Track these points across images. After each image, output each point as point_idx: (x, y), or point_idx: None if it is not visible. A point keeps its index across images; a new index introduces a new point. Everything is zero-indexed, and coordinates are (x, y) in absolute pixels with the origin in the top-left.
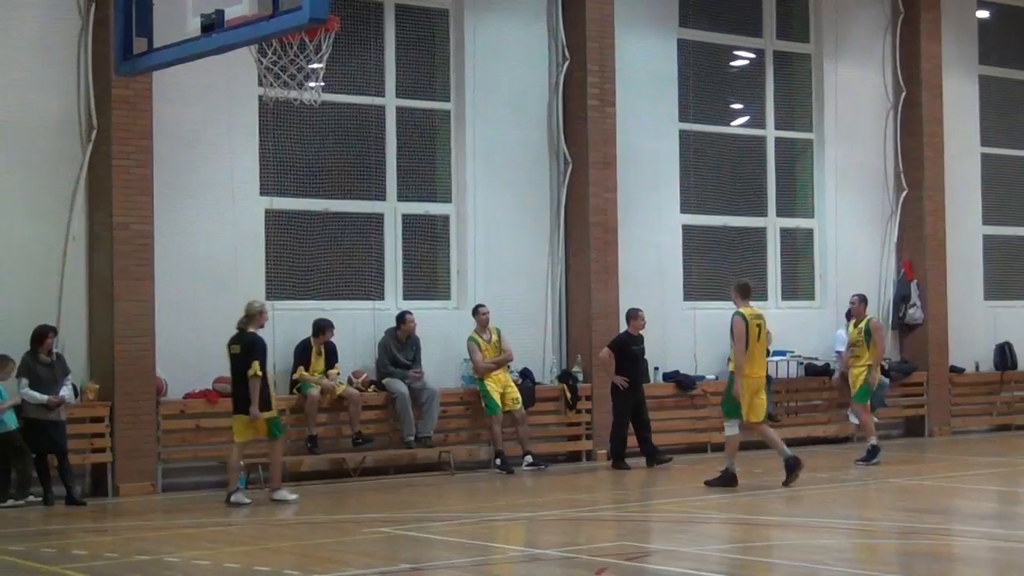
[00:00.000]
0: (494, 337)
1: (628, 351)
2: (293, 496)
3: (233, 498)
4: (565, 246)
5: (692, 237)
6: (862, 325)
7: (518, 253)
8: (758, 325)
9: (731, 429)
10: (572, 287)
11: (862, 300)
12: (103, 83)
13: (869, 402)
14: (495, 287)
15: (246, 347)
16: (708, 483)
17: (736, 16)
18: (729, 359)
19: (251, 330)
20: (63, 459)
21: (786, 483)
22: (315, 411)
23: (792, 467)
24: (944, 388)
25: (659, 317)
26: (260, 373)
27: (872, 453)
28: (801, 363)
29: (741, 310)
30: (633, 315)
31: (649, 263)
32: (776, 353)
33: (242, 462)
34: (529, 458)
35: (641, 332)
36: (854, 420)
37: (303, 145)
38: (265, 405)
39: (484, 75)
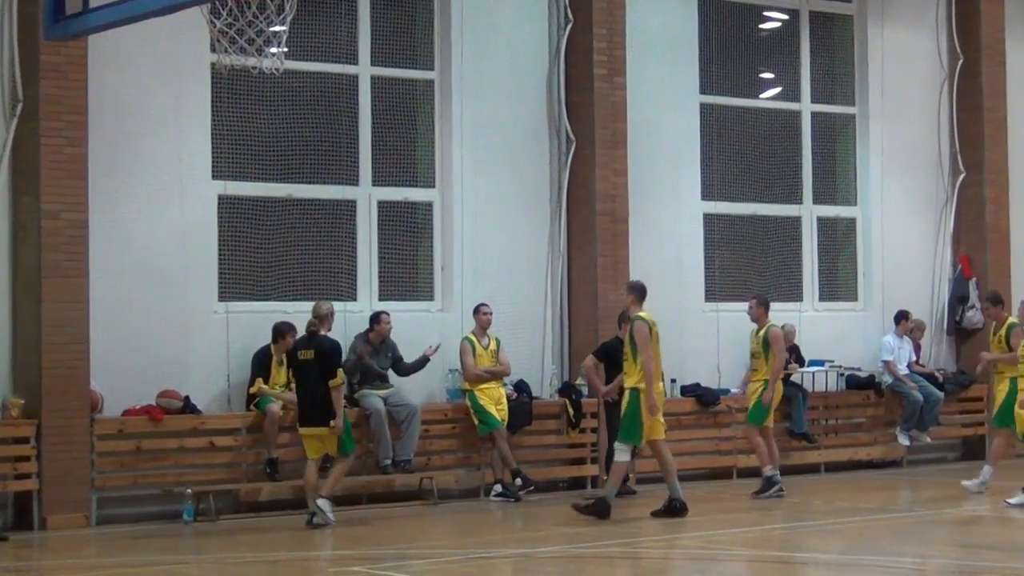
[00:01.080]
0: (493, 345)
1: (618, 359)
2: (331, 516)
3: (316, 519)
4: (567, 238)
5: (715, 228)
6: (761, 333)
7: (513, 246)
8: (656, 333)
9: (623, 455)
10: (576, 286)
11: (760, 303)
12: (30, 48)
13: (767, 424)
14: (485, 286)
15: (325, 352)
16: (653, 514)
17: None
18: (624, 375)
19: (324, 333)
20: None
21: (655, 513)
22: (276, 430)
23: (675, 510)
24: None
25: (677, 321)
26: (344, 381)
27: (768, 484)
28: (842, 375)
29: (642, 314)
30: (625, 317)
31: (665, 258)
32: (813, 363)
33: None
34: (498, 487)
35: None
36: (904, 441)
37: (263, 121)
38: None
39: (473, 40)
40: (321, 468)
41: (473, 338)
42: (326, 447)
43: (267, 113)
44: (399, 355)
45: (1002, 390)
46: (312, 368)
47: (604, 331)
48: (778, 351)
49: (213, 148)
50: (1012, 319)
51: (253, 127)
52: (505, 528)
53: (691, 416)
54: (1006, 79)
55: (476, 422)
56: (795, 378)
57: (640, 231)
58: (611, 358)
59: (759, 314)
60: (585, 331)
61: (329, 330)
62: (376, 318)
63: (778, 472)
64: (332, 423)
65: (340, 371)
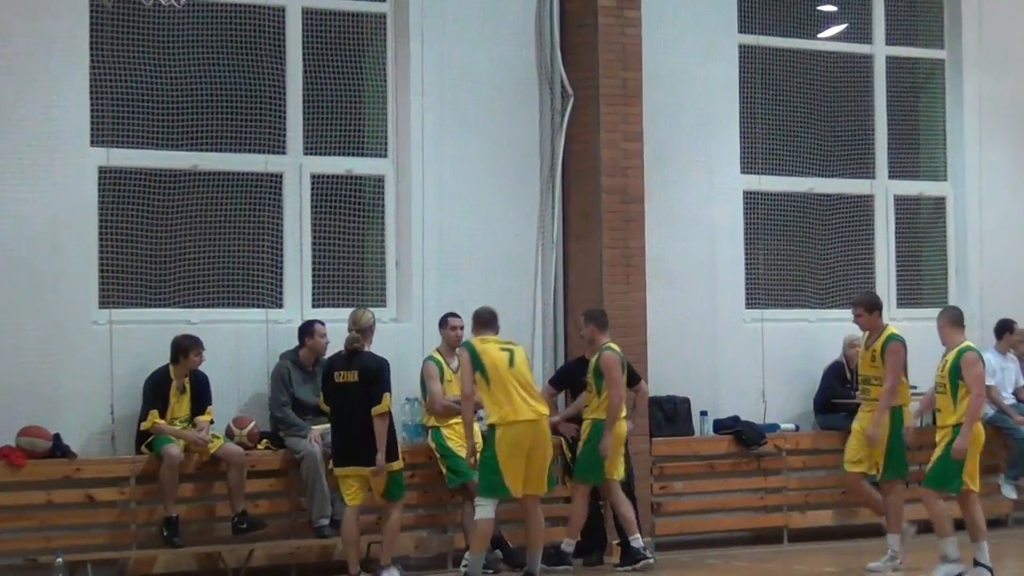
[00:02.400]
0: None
1: (581, 386)
2: None
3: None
4: (563, 224)
5: (759, 209)
6: (594, 360)
7: (490, 236)
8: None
9: (486, 510)
10: (574, 287)
11: (591, 318)
12: None
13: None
14: (455, 289)
15: (370, 373)
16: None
17: None
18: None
19: (367, 349)
20: None
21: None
22: (175, 480)
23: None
24: None
25: (708, 334)
26: (390, 408)
27: (629, 556)
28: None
29: (612, 345)
30: (600, 325)
31: (693, 251)
32: None
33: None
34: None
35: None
36: (1010, 494)
37: (159, 70)
38: (392, 453)
39: None
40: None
41: (439, 358)
42: (373, 489)
43: (164, 59)
44: None
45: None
46: (355, 393)
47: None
48: (612, 382)
49: (93, 105)
50: (892, 329)
51: (145, 78)
52: None
53: (728, 460)
54: None
55: (443, 469)
56: None
57: (659, 215)
58: (574, 385)
59: (591, 332)
60: (586, 348)
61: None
62: (308, 330)
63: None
64: (376, 459)
65: (387, 396)
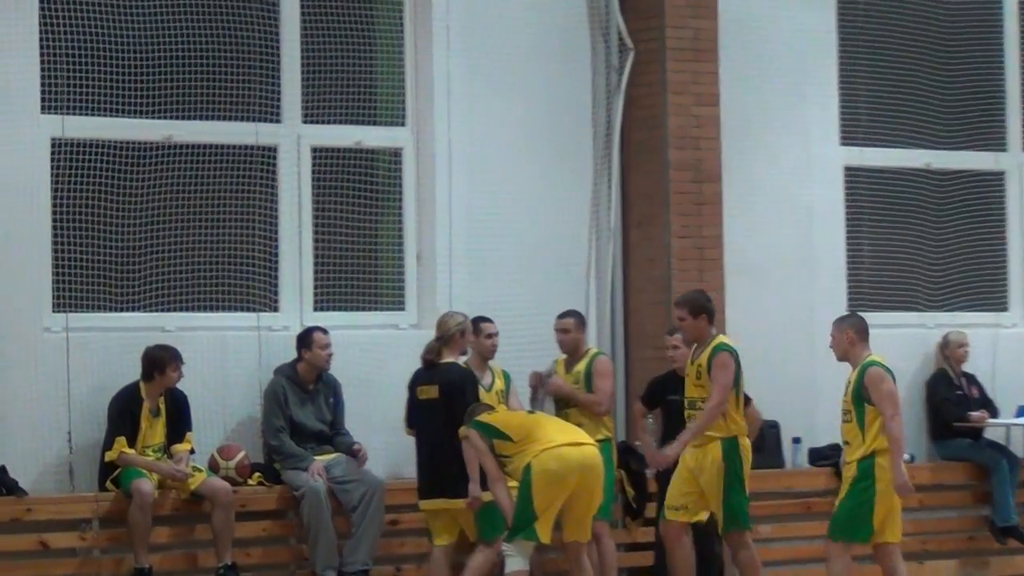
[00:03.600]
0: (499, 384)
1: (668, 403)
2: None
3: None
4: (621, 207)
5: (863, 190)
6: (580, 367)
7: (532, 221)
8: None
9: (518, 561)
10: (636, 285)
11: (570, 316)
12: None
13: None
14: (488, 287)
15: (453, 388)
16: None
17: None
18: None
19: (451, 360)
20: None
21: None
22: (147, 523)
23: None
24: None
25: (802, 341)
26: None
27: None
28: None
29: (725, 339)
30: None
31: (782, 239)
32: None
33: None
34: None
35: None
36: None
37: (124, 22)
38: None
39: None
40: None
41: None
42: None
43: (131, 13)
44: (342, 402)
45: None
46: (438, 411)
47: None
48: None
49: (44, 63)
50: (722, 338)
51: (108, 29)
52: None
53: (827, 498)
54: None
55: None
56: (991, 434)
57: (740, 195)
58: (668, 404)
59: (567, 339)
60: (650, 359)
61: (463, 353)
62: (306, 340)
63: None
64: (469, 490)
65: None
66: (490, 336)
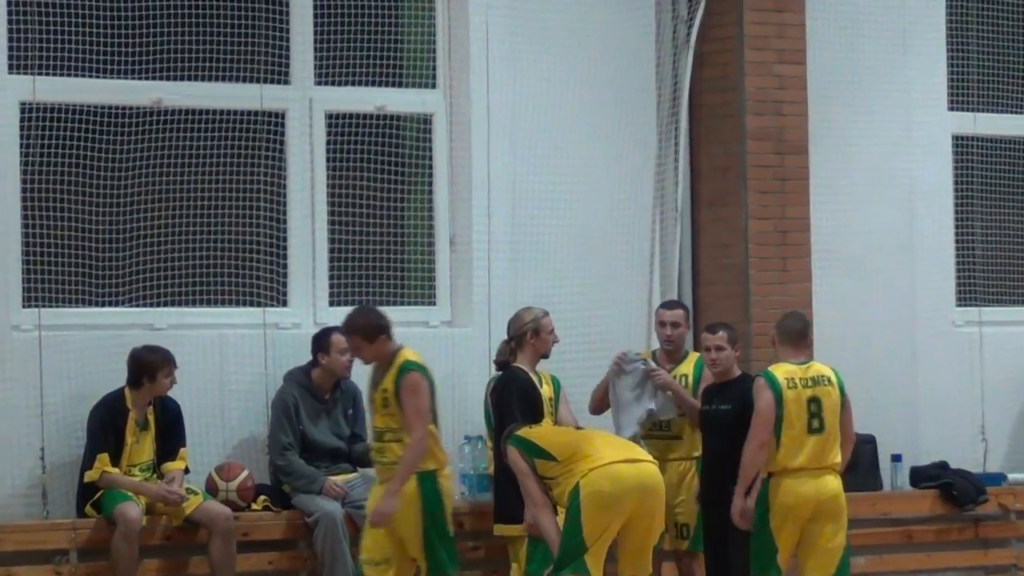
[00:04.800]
0: (548, 390)
1: (704, 414)
2: None
3: None
4: (691, 184)
5: (975, 163)
6: (685, 369)
7: (585, 199)
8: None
9: None
10: (707, 274)
11: (680, 307)
12: None
13: None
14: (533, 277)
15: (494, 398)
16: None
17: None
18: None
19: (520, 365)
20: None
21: None
22: (134, 554)
23: None
24: None
25: (902, 342)
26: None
27: None
28: None
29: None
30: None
31: (880, 220)
32: None
33: None
34: None
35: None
36: None
37: None
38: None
39: None
40: None
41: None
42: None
43: None
44: (363, 413)
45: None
46: (489, 426)
47: (760, 358)
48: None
49: (11, 17)
50: (408, 354)
51: None
52: None
53: (932, 526)
54: None
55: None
56: None
57: (830, 169)
58: (704, 414)
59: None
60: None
61: (543, 357)
62: (325, 342)
63: None
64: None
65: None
66: (551, 332)
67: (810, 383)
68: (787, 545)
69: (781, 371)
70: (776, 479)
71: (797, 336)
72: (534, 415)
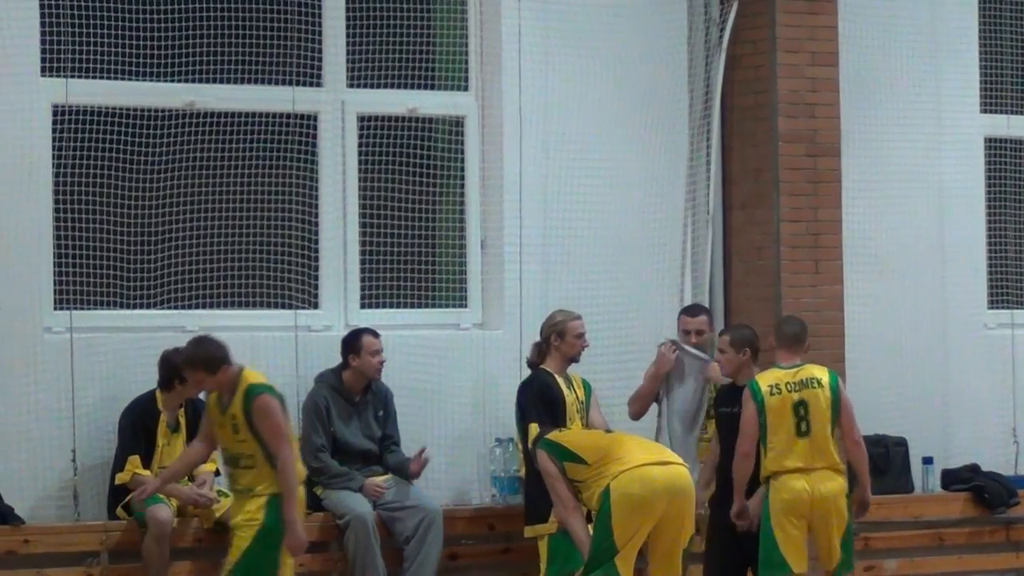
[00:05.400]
0: (579, 393)
1: (719, 416)
2: None
3: None
4: (723, 186)
5: (1008, 165)
6: None
7: (617, 201)
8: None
9: None
10: (739, 277)
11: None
12: None
13: None
14: (564, 279)
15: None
16: None
17: None
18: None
19: (546, 368)
20: None
21: None
22: (165, 556)
23: None
24: None
25: (934, 344)
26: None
27: None
28: None
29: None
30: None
31: (912, 222)
32: None
33: None
34: None
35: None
36: None
37: None
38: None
39: None
40: None
41: (552, 378)
42: None
43: None
44: (393, 415)
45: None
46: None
47: None
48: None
49: (45, 20)
50: (251, 376)
51: None
52: None
53: (963, 529)
54: None
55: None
56: None
57: (862, 172)
58: (719, 416)
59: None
60: (758, 364)
61: (572, 360)
62: (356, 344)
63: None
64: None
65: (532, 428)
66: (579, 336)
67: (797, 387)
68: (790, 542)
69: (766, 379)
70: (774, 481)
71: (794, 340)
72: (553, 418)
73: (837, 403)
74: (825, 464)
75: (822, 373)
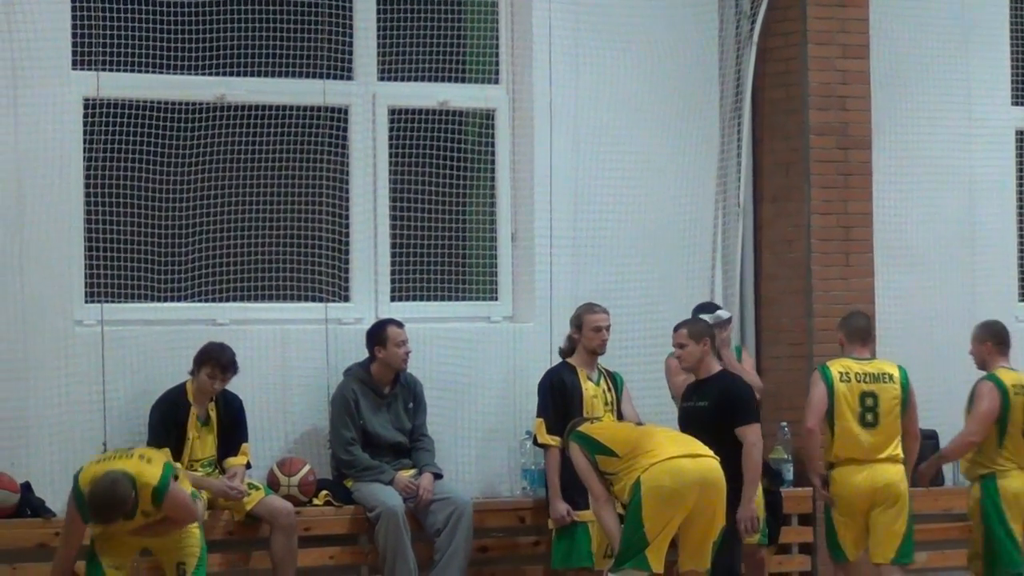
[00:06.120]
0: (604, 386)
1: (681, 410)
2: None
3: None
4: (753, 179)
5: None
6: None
7: (648, 195)
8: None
9: None
10: (769, 270)
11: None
12: None
13: None
14: (595, 272)
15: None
16: None
17: None
18: None
19: (573, 361)
20: None
21: None
22: None
23: None
24: None
25: (963, 334)
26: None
27: None
28: None
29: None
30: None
31: (943, 216)
32: None
33: None
34: None
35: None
36: None
37: None
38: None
39: None
40: None
41: (577, 372)
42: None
43: None
44: (424, 406)
45: None
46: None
47: (821, 353)
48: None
49: (76, 13)
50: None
51: None
52: None
53: None
54: None
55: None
56: None
57: (893, 165)
58: (681, 411)
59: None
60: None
61: (594, 353)
62: (380, 335)
63: None
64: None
65: (540, 423)
66: (598, 330)
67: (868, 379)
68: (850, 533)
69: (837, 365)
70: (835, 470)
71: (863, 333)
72: (565, 410)
73: (907, 399)
74: (887, 456)
75: (893, 369)
